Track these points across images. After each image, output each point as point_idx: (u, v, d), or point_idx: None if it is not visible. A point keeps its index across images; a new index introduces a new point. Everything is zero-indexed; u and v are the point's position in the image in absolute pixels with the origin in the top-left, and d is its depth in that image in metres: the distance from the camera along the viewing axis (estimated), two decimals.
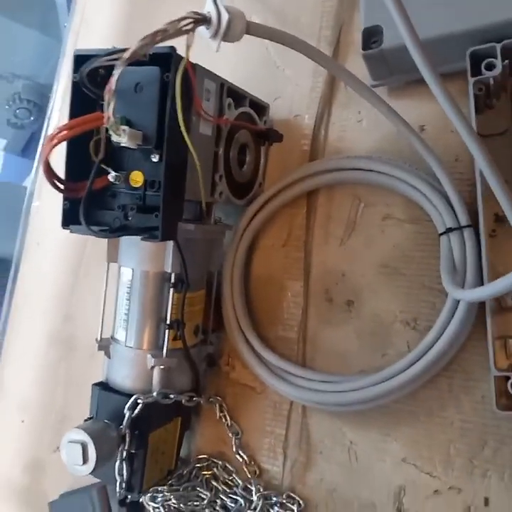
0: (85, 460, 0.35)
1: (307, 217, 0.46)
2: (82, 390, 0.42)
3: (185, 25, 0.31)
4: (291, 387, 0.40)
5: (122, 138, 0.34)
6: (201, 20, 0.31)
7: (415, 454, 0.38)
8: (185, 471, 0.43)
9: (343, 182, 0.45)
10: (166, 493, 0.40)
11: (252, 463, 0.43)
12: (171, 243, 0.38)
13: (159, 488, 0.40)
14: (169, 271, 0.39)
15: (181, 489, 0.41)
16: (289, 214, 0.47)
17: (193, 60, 0.35)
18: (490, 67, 0.37)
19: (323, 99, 0.48)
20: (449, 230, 0.38)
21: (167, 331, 0.39)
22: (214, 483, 0.42)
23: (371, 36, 0.41)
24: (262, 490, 0.40)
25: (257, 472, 0.42)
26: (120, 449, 0.37)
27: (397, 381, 0.37)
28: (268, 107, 0.48)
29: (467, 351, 0.38)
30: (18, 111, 1.20)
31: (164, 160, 0.35)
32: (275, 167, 0.49)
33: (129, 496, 0.38)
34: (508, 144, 0.38)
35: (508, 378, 0.32)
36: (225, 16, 0.31)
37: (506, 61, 0.36)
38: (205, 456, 0.44)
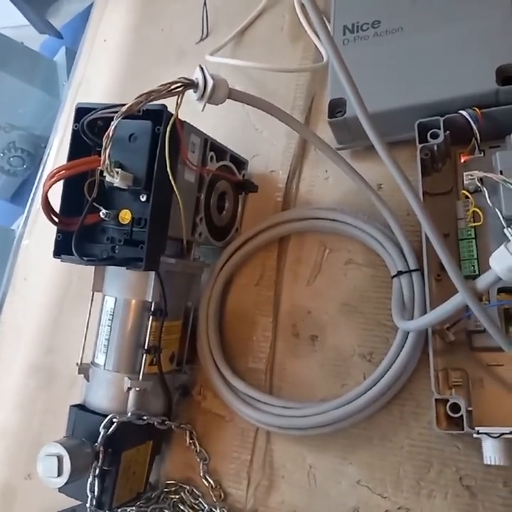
0: (60, 473, 0.37)
1: (278, 260, 0.51)
2: (58, 419, 0.44)
3: (175, 88, 0.36)
4: (257, 412, 0.43)
5: (115, 178, 0.38)
6: (190, 84, 0.36)
7: (369, 476, 0.41)
8: (153, 495, 0.44)
9: (311, 230, 0.50)
10: None
11: (218, 487, 0.45)
12: (152, 274, 0.42)
13: (128, 509, 0.42)
14: (150, 300, 0.42)
15: (149, 511, 0.42)
16: (262, 256, 0.51)
17: (183, 117, 0.40)
18: (434, 136, 0.43)
19: (295, 158, 0.54)
20: (399, 273, 0.43)
21: (144, 355, 0.42)
22: (181, 506, 0.44)
23: (336, 107, 0.47)
24: None
25: (222, 496, 0.44)
26: (93, 465, 0.39)
27: (353, 406, 0.40)
28: (246, 162, 0.54)
29: (417, 382, 0.41)
30: (11, 159, 1.26)
31: (151, 200, 0.40)
32: (252, 215, 0.54)
33: None
34: (452, 201, 0.44)
35: (447, 401, 0.36)
36: (210, 82, 0.36)
37: (447, 132, 0.43)
38: (173, 481, 0.46)
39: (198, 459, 0.46)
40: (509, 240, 0.29)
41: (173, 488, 0.45)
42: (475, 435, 0.35)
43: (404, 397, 0.41)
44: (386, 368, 0.40)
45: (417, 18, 0.47)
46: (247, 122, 0.57)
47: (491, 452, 0.34)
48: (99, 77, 0.74)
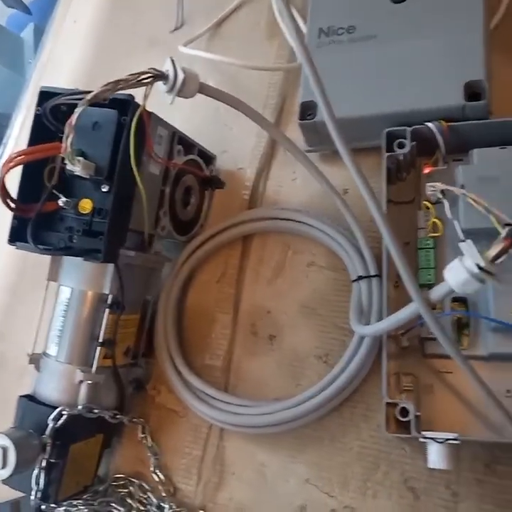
0: (4, 464, 0.36)
1: (241, 258, 0.51)
2: (7, 409, 0.43)
3: (144, 79, 0.35)
4: (211, 409, 0.43)
5: (76, 167, 0.37)
6: (159, 76, 0.36)
7: (317, 476, 0.41)
8: (101, 488, 0.44)
9: (276, 230, 0.50)
10: (81, 507, 0.41)
11: (168, 482, 0.45)
12: (111, 266, 0.41)
13: (74, 502, 0.41)
14: (107, 292, 0.42)
15: (96, 504, 0.42)
16: (226, 254, 0.51)
17: (151, 109, 0.40)
18: (401, 146, 0.44)
19: (264, 157, 0.54)
20: (359, 278, 0.43)
21: (98, 348, 0.41)
22: (129, 500, 0.43)
23: (307, 109, 0.47)
24: (174, 507, 0.42)
25: (172, 491, 0.44)
26: (40, 457, 0.38)
27: (306, 406, 0.40)
28: (214, 158, 0.54)
29: (369, 385, 0.42)
30: None
31: (113, 191, 0.39)
32: (217, 212, 0.54)
33: (43, 506, 0.39)
34: (413, 210, 0.45)
35: (397, 405, 0.37)
36: (180, 75, 0.36)
37: (414, 142, 0.44)
38: (122, 475, 0.45)
39: (149, 454, 0.46)
40: (463, 254, 0.30)
41: (121, 482, 0.45)
42: (421, 439, 0.36)
43: (356, 399, 0.42)
44: (340, 371, 0.41)
45: (391, 28, 0.47)
46: (217, 118, 0.57)
47: (435, 456, 0.35)
48: (66, 59, 0.72)
